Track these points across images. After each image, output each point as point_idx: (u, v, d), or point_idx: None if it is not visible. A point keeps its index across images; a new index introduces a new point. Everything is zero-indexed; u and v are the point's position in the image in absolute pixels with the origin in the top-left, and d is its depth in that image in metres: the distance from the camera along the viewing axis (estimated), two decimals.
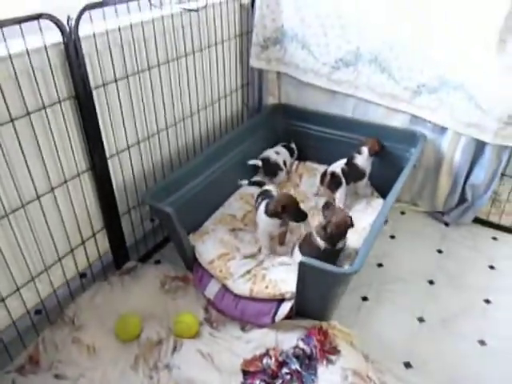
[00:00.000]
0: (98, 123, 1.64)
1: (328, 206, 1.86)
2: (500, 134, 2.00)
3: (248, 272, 1.77)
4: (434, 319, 1.82)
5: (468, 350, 1.70)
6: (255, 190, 2.31)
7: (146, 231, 2.11)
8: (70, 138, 1.57)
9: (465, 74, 2.00)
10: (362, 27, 2.16)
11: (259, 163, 2.36)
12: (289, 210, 1.80)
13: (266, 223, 1.86)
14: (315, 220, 2.17)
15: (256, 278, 1.74)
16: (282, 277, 1.70)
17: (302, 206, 2.23)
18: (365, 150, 2.21)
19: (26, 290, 1.57)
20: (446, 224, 2.38)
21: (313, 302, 1.63)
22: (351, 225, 1.74)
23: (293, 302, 1.63)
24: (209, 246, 1.84)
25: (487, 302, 1.90)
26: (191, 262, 1.87)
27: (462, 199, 2.31)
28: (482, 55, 1.91)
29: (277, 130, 2.60)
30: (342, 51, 2.27)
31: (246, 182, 2.30)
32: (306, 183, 2.44)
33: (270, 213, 1.82)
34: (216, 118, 2.39)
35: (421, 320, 1.82)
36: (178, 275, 1.90)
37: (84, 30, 1.49)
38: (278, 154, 2.42)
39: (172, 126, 2.07)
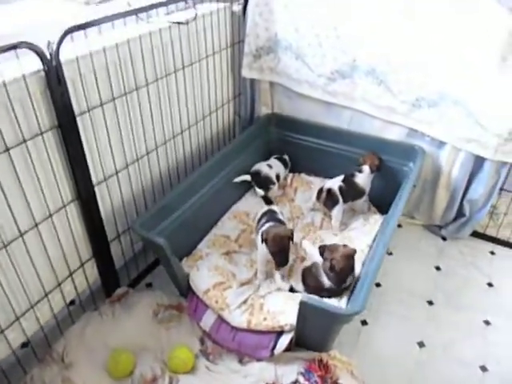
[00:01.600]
0: (83, 151, 1.54)
1: (324, 248, 1.79)
2: (500, 150, 1.96)
3: (245, 302, 1.71)
4: (435, 344, 1.79)
5: (470, 376, 1.67)
6: (249, 208, 2.25)
7: (137, 252, 2.03)
8: (53, 169, 1.47)
9: (465, 89, 1.93)
10: (359, 39, 2.07)
11: (247, 178, 2.27)
12: (273, 249, 1.73)
13: (261, 248, 1.79)
14: (310, 237, 2.11)
15: (253, 308, 1.68)
16: (280, 307, 1.64)
17: (298, 221, 2.22)
18: (366, 168, 2.14)
19: (11, 331, 1.48)
20: (444, 238, 2.34)
21: (313, 334, 1.57)
22: (354, 251, 1.70)
23: (292, 334, 1.58)
24: (203, 274, 1.77)
25: (487, 323, 1.87)
26: (185, 289, 1.79)
27: (460, 213, 2.27)
28: (484, 71, 1.85)
29: (270, 141, 2.52)
30: (338, 63, 2.18)
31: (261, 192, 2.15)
32: (301, 197, 2.37)
33: (261, 240, 1.76)
34: (207, 132, 2.30)
35: (421, 345, 1.78)
36: (172, 303, 1.83)
37: (65, 53, 1.38)
38: (270, 167, 2.34)
39: (162, 145, 1.97)
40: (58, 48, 1.34)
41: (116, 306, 1.82)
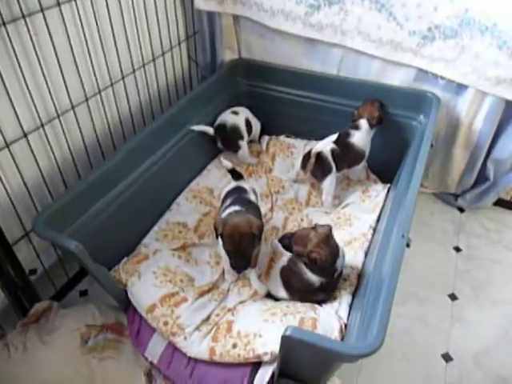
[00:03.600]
0: None
1: (288, 240, 1.30)
2: None
3: (206, 320, 1.21)
4: (464, 355, 1.35)
5: None
6: (214, 183, 1.73)
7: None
8: None
9: (497, 12, 1.41)
10: None
11: (210, 131, 1.73)
12: (228, 247, 1.24)
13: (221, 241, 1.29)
14: (295, 217, 1.62)
15: (218, 329, 1.18)
16: (256, 326, 1.15)
17: (278, 197, 1.71)
18: (363, 123, 1.63)
19: None
20: (461, 209, 1.88)
21: (304, 368, 1.10)
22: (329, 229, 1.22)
23: (274, 366, 1.09)
24: (147, 284, 1.26)
25: None
26: (123, 303, 1.29)
27: (482, 177, 1.80)
28: None
29: (237, 94, 1.95)
30: None
31: (229, 163, 1.52)
32: (280, 166, 1.84)
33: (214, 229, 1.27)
34: (152, 85, 1.73)
35: (447, 358, 1.34)
36: (107, 322, 1.32)
37: None
38: (236, 114, 1.80)
39: (83, 102, 1.41)
40: None
41: (30, 331, 1.30)
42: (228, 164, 1.50)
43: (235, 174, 1.51)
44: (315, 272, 1.19)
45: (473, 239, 1.73)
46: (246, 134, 1.79)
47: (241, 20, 1.88)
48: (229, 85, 1.92)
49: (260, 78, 1.93)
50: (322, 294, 1.25)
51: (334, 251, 1.21)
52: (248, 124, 1.81)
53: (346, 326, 1.18)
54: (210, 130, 1.74)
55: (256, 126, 1.89)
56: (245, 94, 1.97)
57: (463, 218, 1.84)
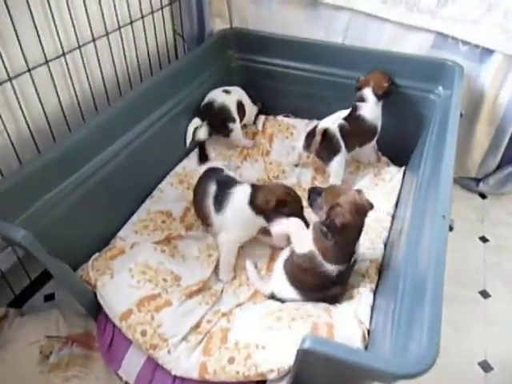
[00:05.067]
0: None
1: (316, 191, 1.07)
2: None
3: (195, 327, 0.98)
4: (506, 363, 1.13)
5: None
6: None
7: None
8: None
9: None
10: None
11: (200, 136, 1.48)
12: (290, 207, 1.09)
13: (245, 223, 1.13)
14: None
15: (211, 339, 0.95)
16: (258, 334, 0.92)
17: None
18: (368, 93, 1.41)
19: None
20: (483, 196, 1.67)
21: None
22: (370, 206, 1.02)
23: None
24: (121, 284, 1.01)
25: None
26: (92, 309, 1.04)
27: (507, 159, 1.59)
28: None
29: (229, 70, 1.73)
30: None
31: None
32: (279, 148, 1.62)
33: (258, 208, 1.10)
34: (131, 53, 1.48)
35: (486, 367, 1.12)
36: (73, 333, 1.08)
37: None
38: (227, 93, 1.57)
39: (54, 59, 1.17)
40: None
41: None
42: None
43: (202, 155, 1.32)
44: (332, 257, 0.96)
45: (500, 228, 1.52)
46: (237, 116, 1.56)
47: None
48: (218, 58, 1.69)
49: (254, 51, 1.70)
50: (337, 287, 1.02)
51: (360, 226, 0.99)
52: (240, 106, 1.58)
53: (368, 332, 0.96)
54: (201, 124, 1.49)
55: (251, 111, 1.67)
56: (237, 69, 1.75)
57: (486, 204, 1.63)
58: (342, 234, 0.96)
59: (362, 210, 0.99)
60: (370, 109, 1.41)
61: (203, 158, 1.47)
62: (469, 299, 1.29)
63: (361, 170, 1.54)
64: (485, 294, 1.30)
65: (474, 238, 1.49)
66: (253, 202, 1.11)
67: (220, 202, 1.16)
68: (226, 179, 1.22)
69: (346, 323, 0.95)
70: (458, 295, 1.29)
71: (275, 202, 1.08)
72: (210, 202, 1.18)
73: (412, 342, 0.68)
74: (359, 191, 1.03)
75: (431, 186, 1.05)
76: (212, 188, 1.18)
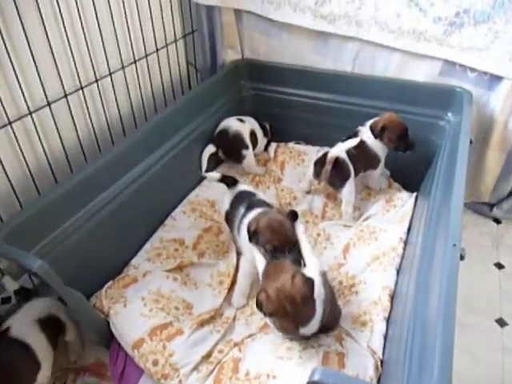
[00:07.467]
0: None
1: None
2: None
3: (207, 357, 0.98)
4: None
5: None
6: (216, 195, 1.51)
7: None
8: None
9: None
10: None
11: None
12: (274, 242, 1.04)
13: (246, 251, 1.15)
14: (310, 232, 1.40)
15: (222, 369, 0.95)
16: (268, 364, 0.91)
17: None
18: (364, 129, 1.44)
19: None
20: (497, 221, 1.65)
21: None
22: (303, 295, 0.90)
23: None
24: (134, 313, 1.03)
25: None
26: (106, 338, 1.05)
27: None
28: None
29: (241, 99, 1.77)
30: None
31: (216, 174, 1.32)
32: (290, 176, 1.63)
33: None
34: (146, 85, 1.54)
35: None
36: (86, 363, 1.08)
37: None
38: (241, 121, 1.61)
39: (70, 94, 1.22)
40: None
41: None
42: (215, 176, 1.30)
43: (229, 180, 1.30)
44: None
45: None
46: (250, 144, 1.59)
47: (243, 16, 1.70)
48: (230, 88, 1.73)
49: (266, 80, 1.74)
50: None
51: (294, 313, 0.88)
52: (253, 135, 1.62)
53: (381, 362, 0.94)
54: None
55: (262, 141, 1.70)
56: (249, 99, 1.79)
57: (501, 230, 1.61)
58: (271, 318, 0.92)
59: (291, 299, 0.87)
60: (370, 136, 1.43)
61: (230, 181, 1.32)
62: (485, 328, 1.26)
63: (372, 196, 1.54)
64: (501, 323, 1.28)
65: (489, 265, 1.47)
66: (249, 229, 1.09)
67: (239, 225, 1.18)
68: (256, 202, 1.20)
69: (358, 353, 0.94)
70: (474, 324, 1.27)
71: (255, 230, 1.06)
72: (236, 224, 1.19)
73: (425, 374, 0.67)
74: (297, 275, 0.92)
75: (442, 213, 1.05)
76: (241, 211, 1.19)
